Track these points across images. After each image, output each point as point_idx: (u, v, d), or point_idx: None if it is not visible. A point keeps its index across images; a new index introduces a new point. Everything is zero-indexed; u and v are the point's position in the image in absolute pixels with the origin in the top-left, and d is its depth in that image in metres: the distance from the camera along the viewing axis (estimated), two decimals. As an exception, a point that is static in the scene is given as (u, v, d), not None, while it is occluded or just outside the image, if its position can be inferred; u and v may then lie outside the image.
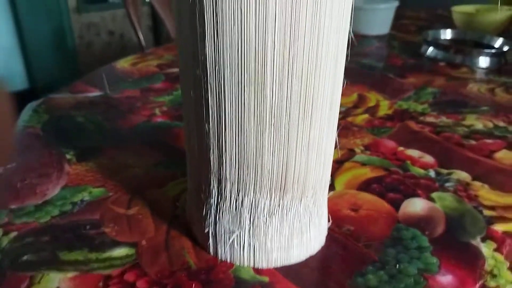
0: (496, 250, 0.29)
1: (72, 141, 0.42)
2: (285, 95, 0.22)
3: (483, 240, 0.30)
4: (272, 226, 0.26)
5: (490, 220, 0.32)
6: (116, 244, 0.29)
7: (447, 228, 0.31)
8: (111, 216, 0.32)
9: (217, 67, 0.22)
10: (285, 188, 0.25)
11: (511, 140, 0.45)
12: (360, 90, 0.59)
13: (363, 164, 0.40)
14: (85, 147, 0.41)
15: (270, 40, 0.21)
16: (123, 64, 0.68)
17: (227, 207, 0.26)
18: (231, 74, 0.22)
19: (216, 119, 0.24)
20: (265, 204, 0.25)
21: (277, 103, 0.22)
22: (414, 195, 0.35)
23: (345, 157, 0.41)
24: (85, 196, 0.34)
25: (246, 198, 0.25)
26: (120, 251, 0.28)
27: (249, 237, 0.26)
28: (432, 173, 0.39)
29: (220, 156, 0.24)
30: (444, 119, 0.50)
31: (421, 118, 0.50)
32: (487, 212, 0.33)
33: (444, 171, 0.39)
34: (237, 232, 0.26)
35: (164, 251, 0.28)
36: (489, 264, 0.28)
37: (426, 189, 0.36)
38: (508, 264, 0.28)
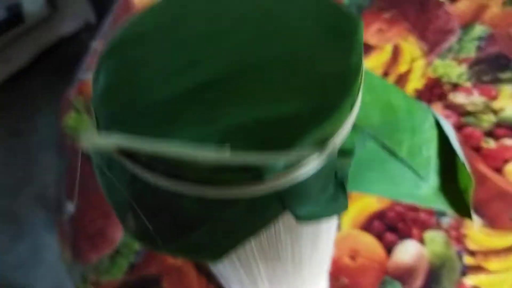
0: (457, 307, 0.41)
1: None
2: None
3: (451, 295, 0.41)
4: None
5: (465, 271, 0.42)
6: (173, 301, 0.44)
7: (425, 283, 0.42)
8: (165, 268, 0.46)
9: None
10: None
11: (534, 139, 0.48)
12: (398, 33, 0.58)
13: (372, 189, 0.48)
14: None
15: None
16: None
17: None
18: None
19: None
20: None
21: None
22: (409, 236, 0.44)
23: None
24: (142, 243, 0.47)
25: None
26: (176, 308, 0.44)
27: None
28: (434, 201, 0.46)
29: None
30: (475, 98, 0.52)
31: (452, 95, 0.52)
32: (466, 260, 0.43)
33: (447, 197, 0.46)
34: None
35: (206, 308, 0.43)
36: (446, 324, 0.40)
37: (421, 226, 0.45)
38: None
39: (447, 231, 0.44)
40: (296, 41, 0.20)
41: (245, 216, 0.19)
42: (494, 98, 0.51)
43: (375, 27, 0.57)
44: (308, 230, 0.24)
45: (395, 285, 0.42)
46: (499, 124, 0.49)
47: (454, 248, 0.43)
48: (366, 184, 0.22)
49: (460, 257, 0.43)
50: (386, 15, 0.58)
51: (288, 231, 0.22)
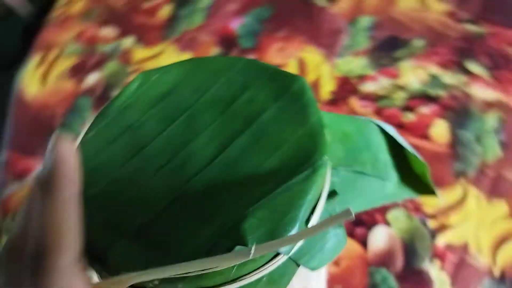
0: (441, 268, 0.45)
1: None
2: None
3: (431, 260, 0.46)
4: None
5: (434, 234, 0.47)
6: None
7: (405, 258, 0.46)
8: None
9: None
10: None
11: (443, 100, 0.55)
12: (297, 47, 0.63)
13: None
14: None
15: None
16: (31, 85, 0.67)
17: None
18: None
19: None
20: None
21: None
22: (375, 223, 0.49)
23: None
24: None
25: None
26: None
27: None
28: (384, 184, 0.51)
29: None
30: (382, 82, 0.58)
31: (362, 86, 0.58)
32: (430, 224, 0.48)
33: (393, 175, 0.51)
34: None
35: None
36: (436, 286, 0.44)
37: (382, 210, 0.49)
38: (450, 280, 0.45)
39: (404, 206, 0.49)
40: (259, 119, 0.22)
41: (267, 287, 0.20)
42: (397, 76, 0.58)
43: (274, 47, 0.62)
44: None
45: (382, 271, 0.46)
46: (411, 97, 0.56)
47: (416, 218, 0.48)
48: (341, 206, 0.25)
49: (424, 224, 0.48)
50: (281, 34, 0.63)
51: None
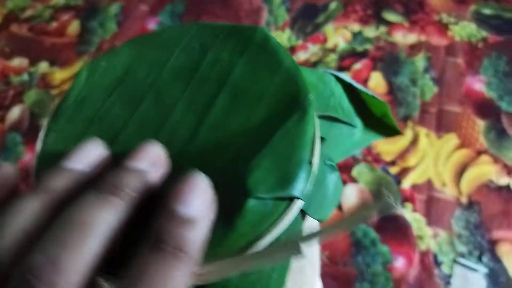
0: (413, 210, 0.47)
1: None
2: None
3: (402, 204, 0.48)
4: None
5: (398, 179, 0.49)
6: None
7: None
8: None
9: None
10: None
11: (372, 53, 0.58)
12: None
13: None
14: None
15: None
16: None
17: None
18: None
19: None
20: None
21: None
22: (343, 182, 0.50)
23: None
24: None
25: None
26: None
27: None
28: (340, 144, 0.52)
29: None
30: (312, 49, 0.59)
31: (295, 57, 0.59)
32: (392, 170, 0.50)
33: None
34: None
35: None
36: (414, 228, 0.46)
37: (345, 169, 0.51)
38: (424, 219, 0.47)
39: (364, 159, 0.51)
40: (230, 77, 0.21)
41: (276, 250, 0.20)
42: (324, 41, 0.60)
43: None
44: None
45: (361, 227, 0.47)
46: (342, 57, 0.58)
47: (378, 168, 0.50)
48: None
49: (387, 172, 0.50)
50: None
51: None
